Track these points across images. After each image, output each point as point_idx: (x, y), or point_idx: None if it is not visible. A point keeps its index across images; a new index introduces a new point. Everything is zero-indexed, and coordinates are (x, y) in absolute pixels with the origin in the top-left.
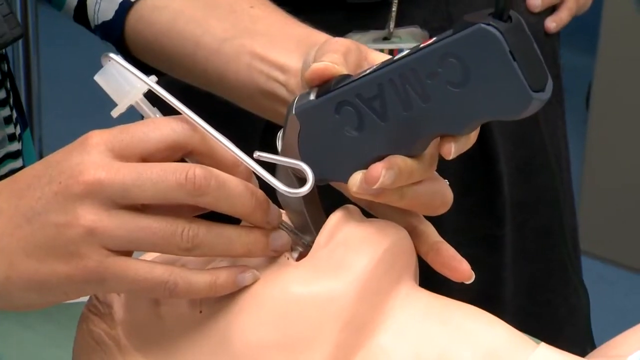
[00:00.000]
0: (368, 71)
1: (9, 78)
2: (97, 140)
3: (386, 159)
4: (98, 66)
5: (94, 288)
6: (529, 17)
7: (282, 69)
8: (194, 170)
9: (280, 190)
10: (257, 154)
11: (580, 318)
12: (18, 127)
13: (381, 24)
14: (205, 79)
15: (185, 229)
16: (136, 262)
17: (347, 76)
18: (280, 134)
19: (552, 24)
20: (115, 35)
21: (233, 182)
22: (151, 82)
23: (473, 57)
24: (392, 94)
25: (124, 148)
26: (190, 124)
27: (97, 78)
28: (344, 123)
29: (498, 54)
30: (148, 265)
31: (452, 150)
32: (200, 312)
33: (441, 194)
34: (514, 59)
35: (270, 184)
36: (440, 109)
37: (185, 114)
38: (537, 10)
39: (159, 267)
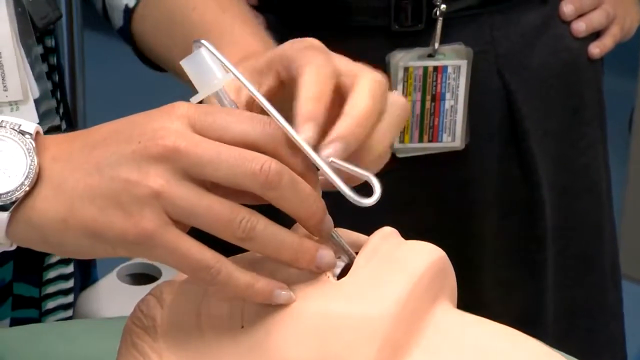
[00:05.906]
0: None
1: (59, 89)
2: (183, 112)
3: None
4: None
5: (143, 252)
6: (572, 42)
7: None
8: (269, 163)
9: (349, 199)
10: (331, 159)
11: (620, 345)
12: None
13: (425, 44)
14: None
15: (245, 219)
16: (189, 239)
17: None
18: None
19: (595, 49)
20: (129, 39)
21: (302, 184)
22: (238, 72)
23: None
24: None
25: (204, 129)
26: (269, 128)
27: (184, 63)
28: None
29: None
30: (200, 246)
31: None
32: (242, 327)
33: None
34: None
35: (341, 192)
36: None
37: (267, 109)
38: (581, 35)
39: (209, 251)
